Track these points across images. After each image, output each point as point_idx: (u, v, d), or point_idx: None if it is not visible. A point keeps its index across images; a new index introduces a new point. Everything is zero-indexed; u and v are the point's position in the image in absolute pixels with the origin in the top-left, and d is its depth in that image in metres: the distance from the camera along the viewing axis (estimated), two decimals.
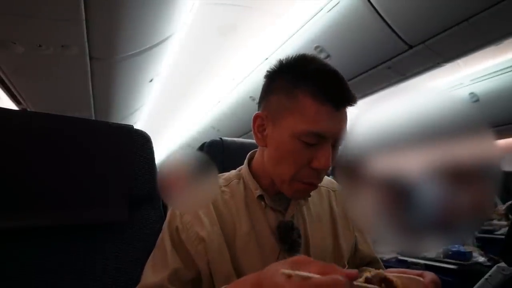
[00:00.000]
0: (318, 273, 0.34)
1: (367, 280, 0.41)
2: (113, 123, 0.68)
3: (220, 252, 0.55)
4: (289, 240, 0.57)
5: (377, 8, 1.42)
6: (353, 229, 0.69)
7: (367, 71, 1.84)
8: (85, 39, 1.43)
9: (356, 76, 1.89)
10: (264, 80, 0.61)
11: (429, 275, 0.45)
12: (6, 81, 1.78)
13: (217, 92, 2.84)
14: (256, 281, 0.40)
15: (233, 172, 0.67)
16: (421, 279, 0.43)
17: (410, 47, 1.56)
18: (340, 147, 0.57)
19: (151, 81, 2.23)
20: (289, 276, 0.35)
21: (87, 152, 0.63)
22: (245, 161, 0.66)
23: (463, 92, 2.37)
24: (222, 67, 2.41)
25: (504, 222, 2.68)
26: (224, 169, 0.69)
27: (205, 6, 1.69)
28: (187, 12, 1.64)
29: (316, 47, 1.76)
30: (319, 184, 0.69)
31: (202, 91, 2.91)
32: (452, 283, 1.84)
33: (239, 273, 0.54)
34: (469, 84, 2.33)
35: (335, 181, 0.74)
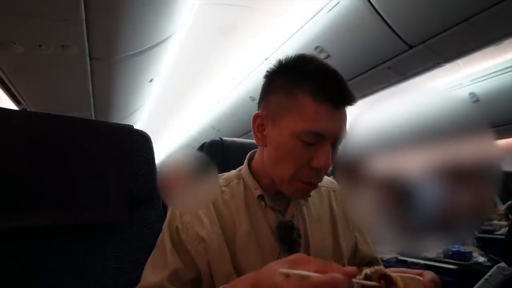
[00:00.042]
0: (316, 271, 0.34)
1: (367, 277, 0.41)
2: (113, 123, 0.68)
3: (220, 252, 0.55)
4: (289, 240, 0.57)
5: (377, 8, 1.42)
6: (353, 229, 0.69)
7: (367, 71, 1.84)
8: (85, 39, 1.43)
9: (356, 76, 1.89)
10: (263, 80, 0.61)
11: (429, 274, 0.45)
12: (6, 81, 1.78)
13: (217, 92, 2.84)
14: (255, 280, 0.40)
15: (233, 172, 0.67)
16: (421, 278, 0.43)
17: (410, 47, 1.56)
18: (339, 147, 0.57)
19: (151, 81, 2.23)
20: (287, 276, 0.35)
21: (87, 152, 0.63)
22: (245, 161, 0.66)
23: (463, 92, 2.37)
24: (222, 67, 2.41)
25: (504, 222, 2.68)
26: (224, 169, 0.69)
27: (205, 6, 1.69)
28: (187, 12, 1.64)
29: (316, 47, 1.76)
30: (319, 184, 0.69)
31: (202, 91, 2.91)
32: (452, 283, 1.84)
33: (239, 273, 0.54)
34: (469, 84, 2.33)
35: (335, 181, 0.74)
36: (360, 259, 0.70)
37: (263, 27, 1.93)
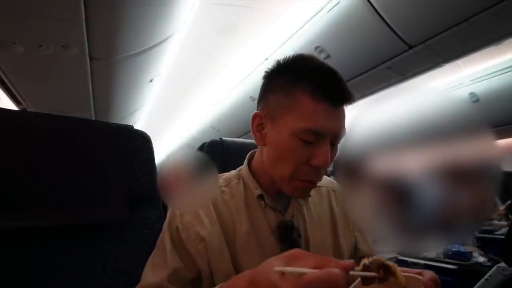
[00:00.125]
0: (313, 267, 0.34)
1: (365, 267, 0.41)
2: (113, 123, 0.68)
3: (220, 251, 0.55)
4: (289, 240, 0.57)
5: (377, 8, 1.42)
6: (353, 229, 0.69)
7: (367, 71, 1.84)
8: (85, 39, 1.43)
9: (356, 76, 1.89)
10: (262, 80, 0.62)
11: (428, 274, 0.45)
12: (6, 81, 1.78)
13: (217, 92, 2.84)
14: (252, 277, 0.40)
15: (233, 172, 0.67)
16: (420, 277, 0.43)
17: (410, 47, 1.56)
18: (339, 146, 0.57)
19: (151, 81, 2.23)
20: (282, 273, 0.35)
21: (87, 152, 0.63)
22: (245, 161, 0.66)
23: (463, 92, 2.37)
24: (222, 67, 2.42)
25: (504, 222, 2.68)
26: (224, 169, 0.69)
27: (205, 6, 1.69)
28: (187, 12, 1.64)
29: (316, 47, 1.76)
30: (319, 184, 0.69)
31: (202, 91, 2.91)
32: (452, 283, 1.84)
33: (239, 272, 0.54)
34: (469, 84, 2.33)
35: (335, 181, 0.74)
36: (360, 259, 0.70)
37: (263, 27, 1.93)
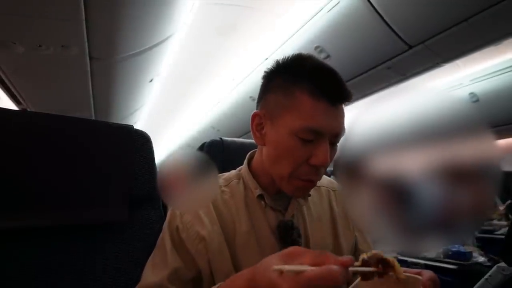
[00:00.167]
0: (312, 264, 0.34)
1: (364, 262, 0.40)
2: (113, 123, 0.68)
3: (221, 251, 0.55)
4: (289, 240, 0.57)
5: (377, 8, 1.42)
6: (353, 229, 0.69)
7: (367, 71, 1.84)
8: (85, 39, 1.43)
9: (356, 76, 1.89)
10: (262, 80, 0.62)
11: (428, 273, 0.45)
12: (6, 81, 1.78)
13: (217, 92, 2.84)
14: (251, 276, 0.40)
15: (233, 172, 0.67)
16: (420, 277, 0.43)
17: (410, 47, 1.56)
18: (339, 146, 0.57)
19: (151, 81, 2.23)
20: (281, 272, 0.35)
21: (87, 152, 0.63)
22: (245, 161, 0.66)
23: (463, 92, 2.36)
24: (222, 67, 2.42)
25: (504, 222, 2.68)
26: (224, 169, 0.69)
27: (205, 6, 1.69)
28: (187, 12, 1.64)
29: (316, 47, 1.76)
30: (319, 184, 0.69)
31: (202, 91, 2.91)
32: (452, 283, 1.84)
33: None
34: (469, 84, 2.33)
35: (335, 181, 0.74)
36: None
37: (263, 27, 1.93)
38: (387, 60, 1.70)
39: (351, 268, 0.34)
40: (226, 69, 2.44)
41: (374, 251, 0.40)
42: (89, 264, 0.60)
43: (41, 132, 0.59)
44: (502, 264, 1.47)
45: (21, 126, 0.58)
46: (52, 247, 0.59)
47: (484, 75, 2.25)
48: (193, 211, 0.57)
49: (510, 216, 2.75)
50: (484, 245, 2.23)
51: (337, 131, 0.54)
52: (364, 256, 0.41)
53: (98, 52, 1.58)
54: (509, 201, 2.77)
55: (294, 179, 0.55)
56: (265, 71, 0.61)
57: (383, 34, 1.52)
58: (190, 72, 2.49)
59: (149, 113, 3.32)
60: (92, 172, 0.63)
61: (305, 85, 0.53)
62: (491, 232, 2.55)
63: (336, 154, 0.57)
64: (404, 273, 0.43)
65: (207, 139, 0.88)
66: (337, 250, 0.65)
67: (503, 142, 2.97)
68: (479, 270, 1.72)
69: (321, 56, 1.78)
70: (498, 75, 2.18)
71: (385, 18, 1.44)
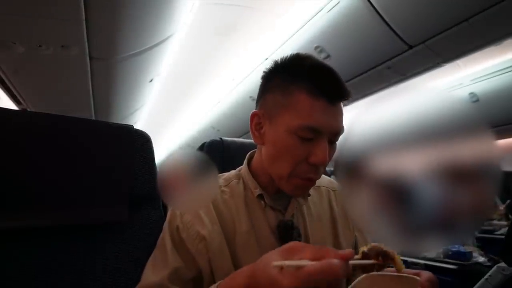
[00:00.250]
0: (312, 258, 0.34)
1: (364, 255, 0.40)
2: (113, 123, 0.68)
3: (221, 250, 0.55)
4: (289, 239, 0.57)
5: (377, 8, 1.42)
6: (353, 229, 0.69)
7: (367, 71, 1.84)
8: (85, 39, 1.43)
9: (356, 76, 1.89)
10: (261, 80, 0.62)
11: (426, 274, 0.45)
12: (6, 81, 1.78)
13: (217, 92, 2.84)
14: (251, 273, 0.40)
15: (232, 172, 0.67)
16: (418, 278, 0.43)
17: (410, 47, 1.56)
18: (339, 146, 0.57)
19: (151, 81, 2.23)
20: (281, 267, 0.35)
21: (87, 152, 0.63)
22: (245, 161, 0.66)
23: (463, 92, 2.36)
24: (222, 67, 2.42)
25: (504, 222, 2.68)
26: (224, 169, 0.69)
27: (205, 6, 1.69)
28: (187, 12, 1.64)
29: (316, 47, 1.76)
30: (319, 184, 0.69)
31: (202, 91, 2.91)
32: (452, 283, 1.84)
33: None
34: (469, 84, 2.33)
35: (334, 181, 0.74)
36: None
37: (263, 27, 1.93)
38: (387, 60, 1.70)
39: (351, 261, 0.34)
40: (226, 69, 2.44)
41: (373, 244, 0.40)
42: (89, 264, 0.60)
43: (41, 132, 0.59)
44: (502, 264, 1.47)
45: (21, 126, 0.58)
46: (52, 247, 0.59)
47: (484, 75, 2.25)
48: (193, 211, 0.57)
49: (510, 216, 2.75)
50: (484, 245, 2.23)
51: (336, 129, 0.54)
52: (364, 249, 0.41)
53: (98, 52, 1.58)
54: (509, 201, 2.77)
55: (294, 178, 0.55)
56: (264, 71, 0.61)
57: (383, 34, 1.52)
58: (190, 72, 2.49)
59: (149, 113, 3.32)
60: (92, 172, 0.63)
61: (304, 84, 0.54)
62: (491, 232, 2.54)
63: (336, 154, 0.57)
64: (402, 274, 0.43)
65: (207, 139, 0.88)
66: (337, 249, 0.65)
67: (503, 142, 2.97)
68: (479, 270, 1.72)
69: (321, 56, 1.78)
70: (498, 75, 2.18)
71: (385, 18, 1.44)
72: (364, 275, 0.44)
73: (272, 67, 0.60)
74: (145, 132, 0.71)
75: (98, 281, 0.60)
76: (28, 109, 2.19)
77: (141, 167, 0.69)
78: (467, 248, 1.95)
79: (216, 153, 0.85)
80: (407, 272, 0.45)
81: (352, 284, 0.42)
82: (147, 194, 0.70)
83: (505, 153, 3.03)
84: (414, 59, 1.65)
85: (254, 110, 0.61)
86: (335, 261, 0.32)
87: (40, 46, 1.45)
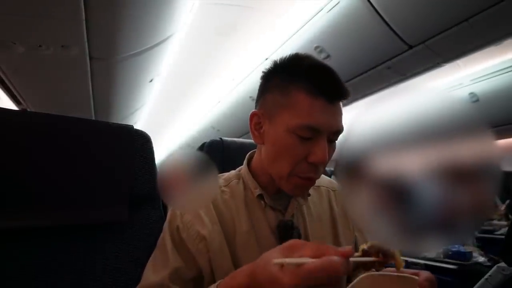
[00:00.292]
0: (312, 256, 0.34)
1: (364, 253, 0.40)
2: (113, 123, 0.68)
3: (221, 250, 0.55)
4: (288, 239, 0.57)
5: (377, 8, 1.42)
6: (353, 229, 0.69)
7: (367, 71, 1.84)
8: (85, 39, 1.43)
9: (356, 76, 1.89)
10: (260, 80, 0.62)
11: (424, 274, 0.45)
12: (6, 81, 1.78)
13: (217, 92, 2.84)
14: (251, 271, 0.40)
15: (232, 172, 0.67)
16: (416, 277, 0.43)
17: (410, 47, 1.56)
18: (339, 146, 0.57)
19: (151, 81, 2.23)
20: (282, 265, 0.35)
21: (87, 152, 0.63)
22: (245, 161, 0.66)
23: (463, 92, 2.36)
24: (222, 67, 2.42)
25: (504, 222, 2.68)
26: (224, 169, 0.69)
27: (205, 6, 1.69)
28: (187, 12, 1.64)
29: (316, 47, 1.76)
30: (319, 184, 0.69)
31: (202, 91, 2.91)
32: (452, 283, 1.84)
33: None
34: (469, 84, 2.33)
35: (334, 181, 0.74)
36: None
37: (263, 27, 1.93)
38: (387, 60, 1.70)
39: (351, 258, 0.34)
40: (226, 69, 2.44)
41: (373, 241, 0.40)
42: (89, 264, 0.60)
43: (41, 132, 0.59)
44: (502, 264, 1.47)
45: (21, 126, 0.58)
46: (52, 247, 0.59)
47: (484, 75, 2.25)
48: (193, 211, 0.57)
49: (510, 216, 2.75)
50: (484, 245, 2.23)
51: (335, 128, 0.55)
52: (364, 246, 0.41)
53: (98, 52, 1.58)
54: (509, 201, 2.77)
55: (293, 177, 0.55)
56: (263, 71, 0.62)
57: (383, 34, 1.52)
58: (190, 72, 2.49)
59: (149, 113, 3.32)
60: (92, 172, 0.63)
61: (302, 84, 0.54)
62: (491, 232, 2.54)
63: (336, 154, 0.57)
64: (401, 273, 0.43)
65: (207, 139, 0.88)
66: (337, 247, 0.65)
67: (503, 142, 2.97)
68: (479, 270, 1.72)
69: (321, 56, 1.78)
70: (498, 75, 2.18)
71: (385, 18, 1.44)
72: (363, 275, 0.44)
73: (271, 67, 0.60)
74: (145, 132, 0.71)
75: (98, 281, 0.60)
76: (28, 109, 2.19)
77: (141, 167, 0.69)
78: (467, 248, 1.95)
79: (216, 153, 0.85)
80: (406, 272, 0.45)
81: (352, 283, 0.42)
82: (147, 194, 0.70)
83: (505, 153, 3.03)
84: (414, 59, 1.65)
85: (253, 110, 0.61)
86: (336, 258, 0.32)
87: (40, 46, 1.45)
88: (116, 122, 0.71)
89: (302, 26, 1.75)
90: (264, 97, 0.60)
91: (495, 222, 2.72)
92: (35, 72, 1.76)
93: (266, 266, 0.36)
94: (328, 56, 1.78)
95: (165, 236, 0.58)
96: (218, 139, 0.87)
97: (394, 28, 1.47)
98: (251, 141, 0.74)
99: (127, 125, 0.69)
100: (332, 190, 0.72)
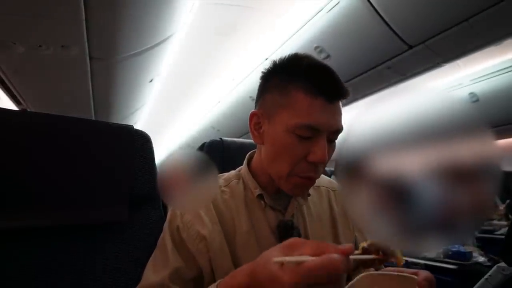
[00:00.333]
0: (312, 254, 0.33)
1: (364, 250, 0.40)
2: (113, 123, 0.68)
3: (221, 249, 0.55)
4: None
5: (377, 8, 1.42)
6: (353, 229, 0.69)
7: (367, 71, 1.84)
8: (85, 39, 1.43)
9: (356, 76, 1.89)
10: (260, 81, 0.62)
11: (423, 273, 0.45)
12: (6, 81, 1.78)
13: (217, 92, 2.84)
14: (251, 270, 0.40)
15: (232, 172, 0.67)
16: (415, 277, 0.43)
17: (410, 47, 1.56)
18: (339, 146, 0.57)
19: (151, 81, 2.23)
20: (281, 264, 0.35)
21: (87, 152, 0.63)
22: (245, 161, 0.66)
23: (463, 92, 2.36)
24: (222, 67, 2.42)
25: (504, 222, 2.68)
26: (224, 169, 0.69)
27: (205, 6, 1.69)
28: (187, 12, 1.64)
29: (316, 47, 1.76)
30: (318, 184, 0.69)
31: (202, 91, 2.91)
32: (452, 283, 1.84)
33: None
34: (469, 84, 2.33)
35: (334, 181, 0.74)
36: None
37: (263, 27, 1.93)
38: (387, 60, 1.70)
39: (351, 256, 0.34)
40: (226, 69, 2.44)
41: (373, 239, 0.40)
42: (89, 264, 0.60)
43: (41, 132, 0.59)
44: (502, 264, 1.47)
45: (21, 126, 0.58)
46: (52, 247, 0.59)
47: (484, 75, 2.25)
48: (193, 211, 0.57)
49: (510, 216, 2.75)
50: (484, 245, 2.23)
51: (335, 127, 0.55)
52: (364, 244, 0.41)
53: (98, 52, 1.58)
54: (509, 201, 2.77)
55: (293, 177, 0.55)
56: (262, 72, 0.62)
57: (383, 34, 1.52)
58: (190, 72, 2.49)
59: (149, 113, 3.32)
60: (92, 172, 0.63)
61: (301, 83, 0.54)
62: (491, 232, 2.54)
63: (336, 154, 0.57)
64: (399, 273, 0.43)
65: (207, 139, 0.88)
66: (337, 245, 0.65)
67: (503, 142, 2.97)
68: (479, 270, 1.72)
69: (321, 56, 1.78)
70: (498, 75, 2.18)
71: (385, 18, 1.44)
72: (363, 274, 0.44)
73: (270, 68, 0.61)
74: (145, 132, 0.71)
75: (98, 281, 0.60)
76: (28, 109, 2.19)
77: (141, 167, 0.69)
78: (467, 248, 1.95)
79: (216, 153, 0.85)
80: (405, 272, 0.45)
81: (351, 282, 0.42)
82: (147, 194, 0.70)
83: (505, 153, 3.03)
84: (414, 59, 1.65)
85: (253, 110, 0.61)
86: (336, 256, 0.32)
87: (40, 46, 1.45)
88: (116, 122, 0.71)
89: (302, 26, 1.75)
90: (263, 97, 0.60)
91: (495, 222, 2.72)
92: (35, 72, 1.76)
93: (266, 265, 0.36)
94: (328, 56, 1.78)
95: (165, 236, 0.58)
96: (218, 139, 0.87)
97: (394, 28, 1.47)
98: (251, 141, 0.74)
99: (127, 125, 0.69)
100: (332, 190, 0.72)
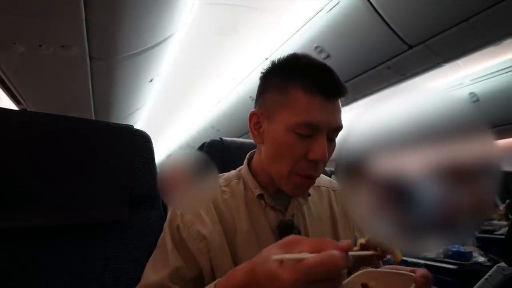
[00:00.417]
0: (311, 251, 0.33)
1: (363, 247, 0.40)
2: (113, 123, 0.68)
3: (222, 249, 0.55)
4: None
5: (377, 8, 1.42)
6: (353, 229, 0.69)
7: (367, 71, 1.84)
8: (85, 39, 1.43)
9: (356, 76, 1.89)
10: (259, 80, 0.62)
11: (420, 271, 0.45)
12: (6, 81, 1.78)
13: (217, 92, 2.84)
14: (250, 268, 0.40)
15: (233, 172, 0.67)
16: (412, 274, 0.44)
17: (410, 47, 1.56)
18: (339, 146, 0.57)
19: (151, 81, 2.23)
20: (281, 261, 0.35)
21: (87, 152, 0.63)
22: (245, 161, 0.66)
23: (463, 92, 2.37)
24: (222, 67, 2.42)
25: (504, 222, 2.68)
26: (224, 169, 0.69)
27: (205, 6, 1.69)
28: (187, 12, 1.64)
29: (316, 47, 1.76)
30: (319, 184, 0.69)
31: (202, 91, 2.91)
32: (452, 283, 1.84)
33: None
34: (469, 84, 2.33)
35: (334, 181, 0.75)
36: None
37: (263, 27, 1.93)
38: (387, 60, 1.70)
39: (350, 252, 0.34)
40: (226, 69, 2.44)
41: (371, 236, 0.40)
42: (89, 264, 0.60)
43: (41, 132, 0.59)
44: (502, 264, 1.47)
45: (21, 126, 0.58)
46: (52, 247, 0.59)
47: (484, 75, 2.25)
48: (193, 211, 0.57)
49: (510, 216, 2.75)
50: (484, 245, 2.23)
51: (334, 125, 0.55)
52: (362, 240, 0.41)
53: (98, 52, 1.58)
54: (509, 201, 2.77)
55: (293, 176, 0.55)
56: (262, 72, 0.62)
57: (383, 34, 1.52)
58: (190, 72, 2.49)
59: (149, 113, 3.32)
60: (92, 172, 0.63)
61: (300, 82, 0.54)
62: (491, 232, 2.54)
63: (336, 154, 0.57)
64: (397, 270, 0.43)
65: (207, 139, 0.88)
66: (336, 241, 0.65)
67: (503, 142, 2.97)
68: (479, 270, 1.72)
69: (321, 56, 1.78)
70: (498, 75, 2.18)
71: (385, 18, 1.44)
72: (360, 271, 0.44)
73: (269, 67, 0.61)
74: (145, 132, 0.71)
75: (98, 281, 0.60)
76: (28, 109, 2.19)
77: (141, 167, 0.69)
78: (467, 248, 1.95)
79: (216, 153, 0.85)
80: (402, 269, 0.45)
81: (348, 279, 0.43)
82: (147, 194, 0.70)
83: (505, 153, 3.03)
84: (414, 59, 1.65)
85: (253, 110, 0.61)
86: (335, 252, 0.32)
87: (40, 46, 1.45)
88: (116, 122, 0.71)
89: (302, 26, 1.75)
90: (263, 96, 0.60)
91: (495, 222, 2.72)
92: (35, 72, 1.76)
93: (266, 263, 0.36)
94: (328, 56, 1.78)
95: (165, 235, 0.58)
96: (218, 139, 0.87)
97: (394, 28, 1.47)
98: (251, 141, 0.74)
99: (127, 125, 0.69)
100: (332, 190, 0.72)
